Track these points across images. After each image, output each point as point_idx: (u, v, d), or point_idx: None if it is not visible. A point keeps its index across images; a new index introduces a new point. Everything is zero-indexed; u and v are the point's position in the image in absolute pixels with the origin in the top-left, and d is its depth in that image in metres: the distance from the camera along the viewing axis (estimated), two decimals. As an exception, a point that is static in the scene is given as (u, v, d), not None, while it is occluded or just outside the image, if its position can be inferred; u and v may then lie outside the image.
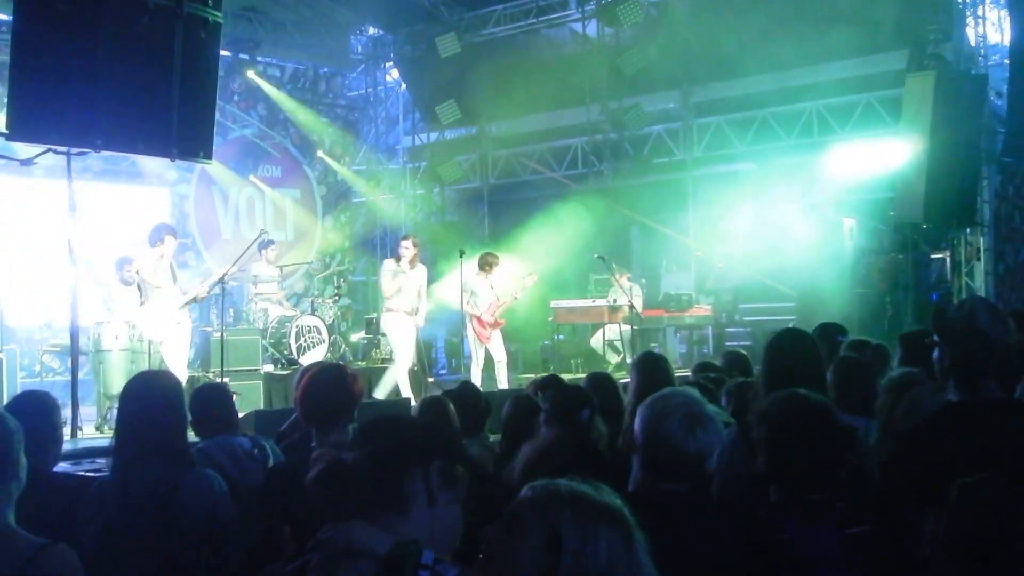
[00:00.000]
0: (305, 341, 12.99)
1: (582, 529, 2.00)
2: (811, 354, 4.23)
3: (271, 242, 13.97)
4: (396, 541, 2.22)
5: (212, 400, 4.94)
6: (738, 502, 3.25)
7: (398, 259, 11.47)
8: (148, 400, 3.63)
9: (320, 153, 18.40)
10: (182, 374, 10.06)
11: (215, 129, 8.61)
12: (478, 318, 12.61)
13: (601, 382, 5.46)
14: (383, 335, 13.02)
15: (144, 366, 10.54)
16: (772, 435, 2.96)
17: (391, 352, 13.53)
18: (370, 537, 2.23)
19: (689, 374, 6.67)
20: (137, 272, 10.08)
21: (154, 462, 3.56)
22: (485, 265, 12.72)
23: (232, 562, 3.59)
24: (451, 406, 4.82)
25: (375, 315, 14.73)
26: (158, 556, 3.46)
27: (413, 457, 2.32)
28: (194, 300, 10.83)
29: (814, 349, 4.31)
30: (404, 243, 11.59)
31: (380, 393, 11.57)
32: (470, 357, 12.89)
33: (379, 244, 19.27)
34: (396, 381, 11.44)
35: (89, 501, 3.60)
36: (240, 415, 8.46)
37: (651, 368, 5.10)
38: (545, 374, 6.21)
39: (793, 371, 3.93)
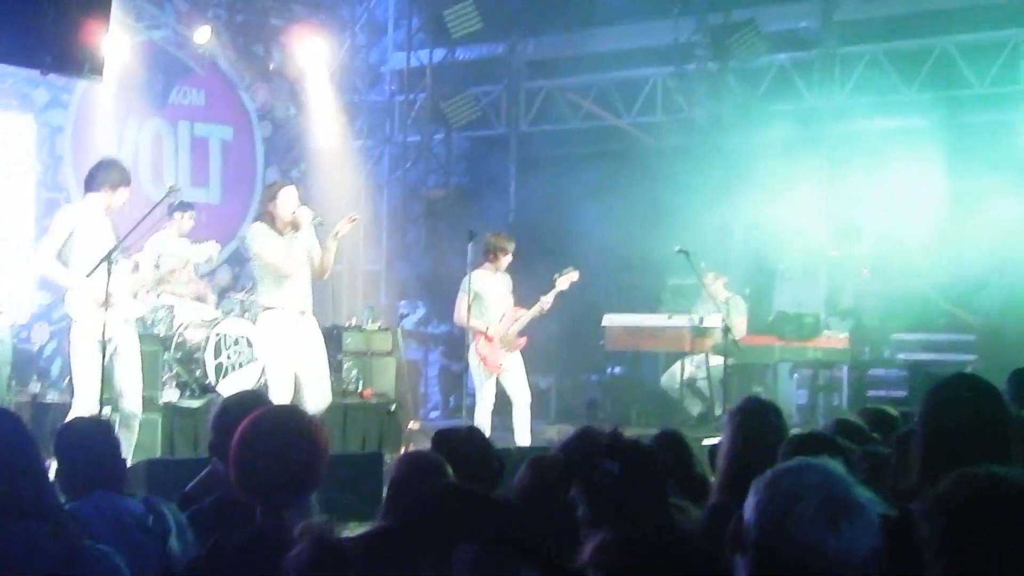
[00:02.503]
0: (229, 358, 13.10)
1: None
2: (994, 414, 4.22)
3: (187, 205, 13.92)
4: None
5: (86, 443, 5.00)
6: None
7: (273, 222, 10.67)
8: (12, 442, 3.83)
9: (270, 68, 18.41)
10: (134, 402, 10.15)
11: (109, 30, 8.59)
12: (484, 334, 12.62)
13: (674, 446, 5.45)
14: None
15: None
16: (955, 533, 2.96)
17: (358, 379, 13.86)
18: None
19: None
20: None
21: (17, 530, 3.71)
22: (493, 252, 12.72)
23: None
24: (448, 470, 4.79)
25: (337, 326, 14.79)
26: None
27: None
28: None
29: (1000, 407, 4.29)
30: (283, 193, 10.79)
31: None
32: (475, 394, 12.82)
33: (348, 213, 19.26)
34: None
35: None
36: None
37: (757, 424, 5.09)
38: (586, 425, 6.13)
39: (966, 439, 3.95)
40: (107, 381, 9.87)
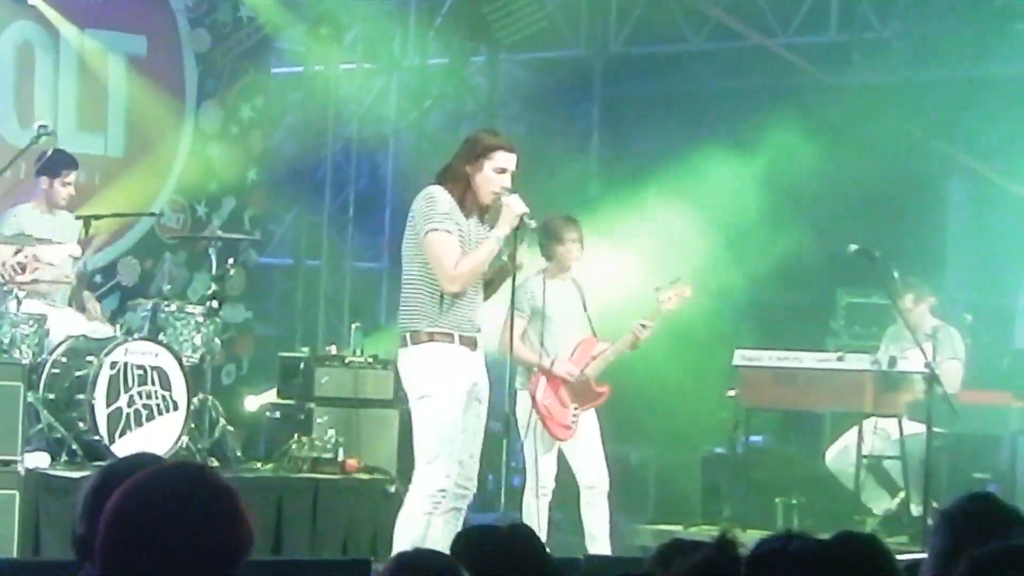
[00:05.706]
0: (132, 402, 12.20)
1: None
2: None
3: (68, 162, 12.80)
4: None
5: None
6: None
7: (463, 193, 9.17)
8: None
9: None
10: None
11: None
12: (546, 372, 11.34)
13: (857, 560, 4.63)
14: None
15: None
16: None
17: (336, 443, 13.28)
18: None
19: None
20: None
21: None
22: (558, 240, 11.34)
23: None
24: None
25: (305, 352, 14.79)
26: None
27: None
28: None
29: None
30: (500, 157, 9.13)
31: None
32: (524, 470, 11.77)
33: (330, 177, 18.27)
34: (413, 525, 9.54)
35: None
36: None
37: (980, 537, 4.54)
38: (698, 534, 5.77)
39: None
40: None
